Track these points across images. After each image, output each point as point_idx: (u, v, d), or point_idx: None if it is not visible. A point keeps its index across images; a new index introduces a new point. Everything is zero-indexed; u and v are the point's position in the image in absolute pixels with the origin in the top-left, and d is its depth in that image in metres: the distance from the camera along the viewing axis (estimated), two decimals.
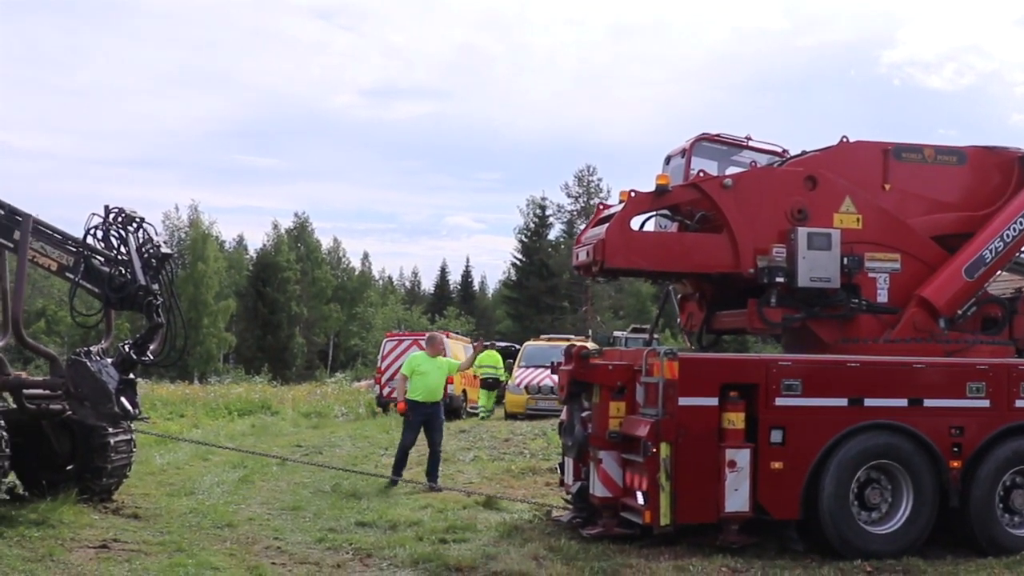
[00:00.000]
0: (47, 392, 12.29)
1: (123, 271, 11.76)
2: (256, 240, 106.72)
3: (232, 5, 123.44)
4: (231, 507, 12.73)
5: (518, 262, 78.79)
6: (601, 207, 12.02)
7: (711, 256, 11.14)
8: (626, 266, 11.10)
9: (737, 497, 10.09)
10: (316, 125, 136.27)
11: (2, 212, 11.94)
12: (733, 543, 10.20)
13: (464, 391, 29.72)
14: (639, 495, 10.26)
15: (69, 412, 12.20)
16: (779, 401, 10.27)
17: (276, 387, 44.35)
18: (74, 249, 11.95)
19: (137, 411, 12.23)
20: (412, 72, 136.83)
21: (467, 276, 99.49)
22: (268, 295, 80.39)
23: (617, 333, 35.62)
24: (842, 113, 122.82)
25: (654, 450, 10.01)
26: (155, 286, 11.83)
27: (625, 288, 71.85)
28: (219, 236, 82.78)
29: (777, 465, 10.21)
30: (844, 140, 11.62)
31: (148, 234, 12.04)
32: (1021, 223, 11.50)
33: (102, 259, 11.93)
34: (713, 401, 10.15)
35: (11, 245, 12.00)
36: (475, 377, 30.81)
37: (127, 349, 11.99)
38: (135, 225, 11.97)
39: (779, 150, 12.42)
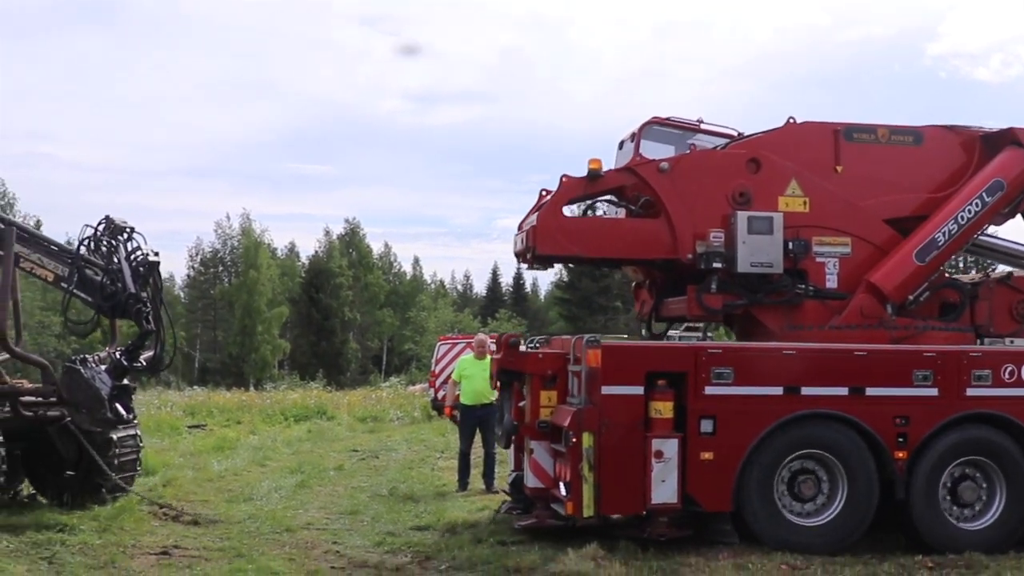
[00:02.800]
0: (42, 399, 12.31)
1: (113, 280, 11.88)
2: (308, 247, 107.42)
3: (277, 14, 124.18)
4: (289, 512, 12.65)
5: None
6: (544, 193, 11.77)
7: (648, 242, 10.84)
8: (558, 253, 10.86)
9: (664, 488, 9.77)
10: (364, 131, 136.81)
11: None
12: (662, 536, 9.90)
13: None
14: (562, 486, 9.99)
15: (69, 418, 12.27)
16: (709, 390, 9.94)
17: (331, 392, 44.35)
18: (69, 260, 12.09)
19: (131, 415, 12.43)
20: (457, 76, 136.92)
21: (519, 278, 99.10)
22: (321, 301, 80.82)
23: (671, 332, 34.99)
24: (888, 108, 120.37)
25: (574, 440, 9.73)
26: (144, 294, 11.98)
27: None
28: (271, 244, 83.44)
29: (707, 456, 9.88)
30: (791, 121, 11.25)
31: (137, 243, 12.16)
32: (978, 204, 11.03)
33: (95, 269, 12.07)
34: (638, 390, 9.86)
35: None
36: None
37: (119, 356, 12.13)
38: (125, 235, 12.11)
39: (734, 133, 12.05)
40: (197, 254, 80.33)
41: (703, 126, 12.22)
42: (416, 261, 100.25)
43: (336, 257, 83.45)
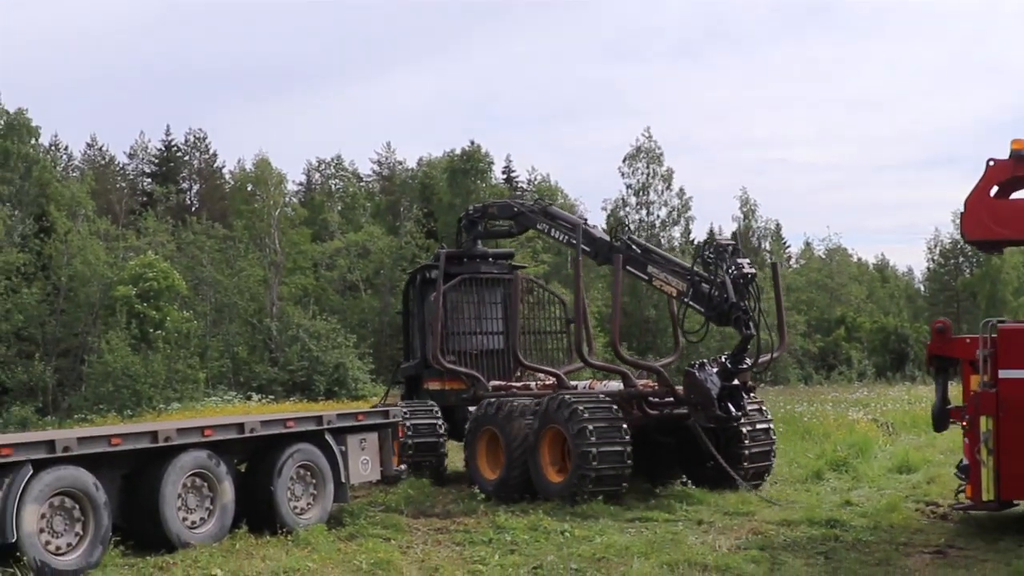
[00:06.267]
0: (660, 400, 14.46)
1: (719, 292, 13.69)
2: None
3: None
4: None
5: None
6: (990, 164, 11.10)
7: None
8: (987, 238, 10.72)
9: None
10: None
11: (638, 251, 14.88)
12: None
13: None
14: (961, 469, 10.04)
15: (692, 418, 14.09)
16: None
17: None
18: (688, 277, 14.29)
19: (739, 414, 14.01)
20: None
21: None
22: None
23: None
24: None
25: (963, 423, 9.79)
26: (744, 303, 13.64)
27: None
28: None
29: None
30: None
31: (736, 258, 13.86)
32: None
33: (706, 283, 14.01)
34: None
35: (645, 277, 14.90)
36: None
37: (724, 360, 14.00)
38: (728, 252, 13.93)
39: None
40: (936, 246, 79.41)
41: None
42: None
43: None
